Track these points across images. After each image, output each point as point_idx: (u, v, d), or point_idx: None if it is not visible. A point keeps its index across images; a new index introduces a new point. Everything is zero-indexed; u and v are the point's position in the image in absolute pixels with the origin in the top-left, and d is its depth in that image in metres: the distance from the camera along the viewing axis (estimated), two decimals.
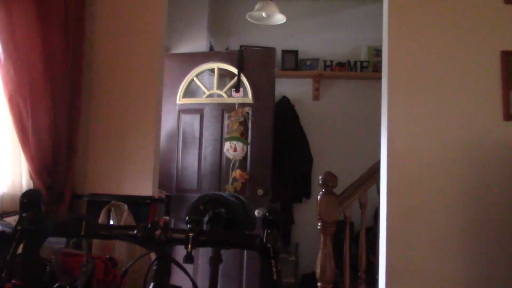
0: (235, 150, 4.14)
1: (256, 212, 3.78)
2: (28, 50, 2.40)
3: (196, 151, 4.30)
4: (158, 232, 1.22)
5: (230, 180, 4.12)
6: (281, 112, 4.41)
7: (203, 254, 3.51)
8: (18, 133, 2.45)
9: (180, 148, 4.32)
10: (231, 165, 4.15)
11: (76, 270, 1.87)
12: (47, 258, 1.55)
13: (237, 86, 4.23)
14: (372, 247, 3.74)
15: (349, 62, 5.25)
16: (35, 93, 2.45)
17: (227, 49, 5.19)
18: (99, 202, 2.71)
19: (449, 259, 2.77)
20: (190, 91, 4.47)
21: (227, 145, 4.18)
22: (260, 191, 4.07)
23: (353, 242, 4.03)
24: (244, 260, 4.04)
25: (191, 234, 1.20)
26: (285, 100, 5.06)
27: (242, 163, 4.14)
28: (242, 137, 4.14)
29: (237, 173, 4.10)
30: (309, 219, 4.92)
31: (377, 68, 5.01)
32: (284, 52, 5.29)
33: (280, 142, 4.31)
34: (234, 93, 4.25)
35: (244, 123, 4.16)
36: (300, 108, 5.20)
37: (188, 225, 1.23)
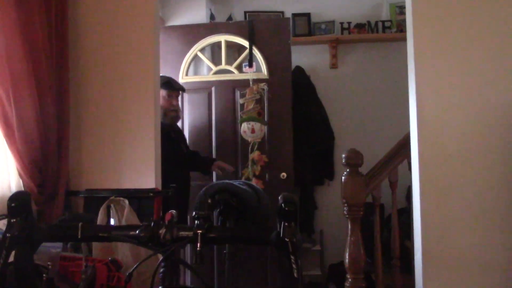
0: (253, 131, 4.11)
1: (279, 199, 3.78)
2: (5, 38, 2.39)
3: (206, 135, 4.28)
4: (162, 231, 1.23)
5: (249, 163, 4.11)
6: (295, 84, 4.37)
7: (219, 248, 3.53)
8: (2, 127, 2.46)
9: (187, 131, 4.31)
10: (250, 148, 4.13)
11: (76, 276, 1.89)
12: (43, 264, 1.57)
13: (250, 60, 4.20)
14: (406, 231, 3.73)
15: (369, 22, 5.17)
16: (17, 83, 2.45)
17: (229, 16, 5.14)
18: (97, 198, 2.72)
19: (492, 243, 2.74)
20: (194, 68, 4.44)
21: (244, 126, 4.15)
22: (283, 175, 4.10)
23: (384, 226, 4.03)
24: (267, 253, 4.05)
25: (199, 232, 1.20)
26: (299, 70, 5.01)
27: (260, 146, 4.13)
28: (260, 116, 4.11)
29: (255, 154, 4.09)
30: (334, 203, 4.91)
31: (402, 28, 4.93)
32: (295, 15, 5.22)
33: (296, 118, 4.29)
34: (246, 68, 4.21)
35: (260, 101, 4.13)
36: (316, 79, 5.15)
37: (196, 221, 1.23)
